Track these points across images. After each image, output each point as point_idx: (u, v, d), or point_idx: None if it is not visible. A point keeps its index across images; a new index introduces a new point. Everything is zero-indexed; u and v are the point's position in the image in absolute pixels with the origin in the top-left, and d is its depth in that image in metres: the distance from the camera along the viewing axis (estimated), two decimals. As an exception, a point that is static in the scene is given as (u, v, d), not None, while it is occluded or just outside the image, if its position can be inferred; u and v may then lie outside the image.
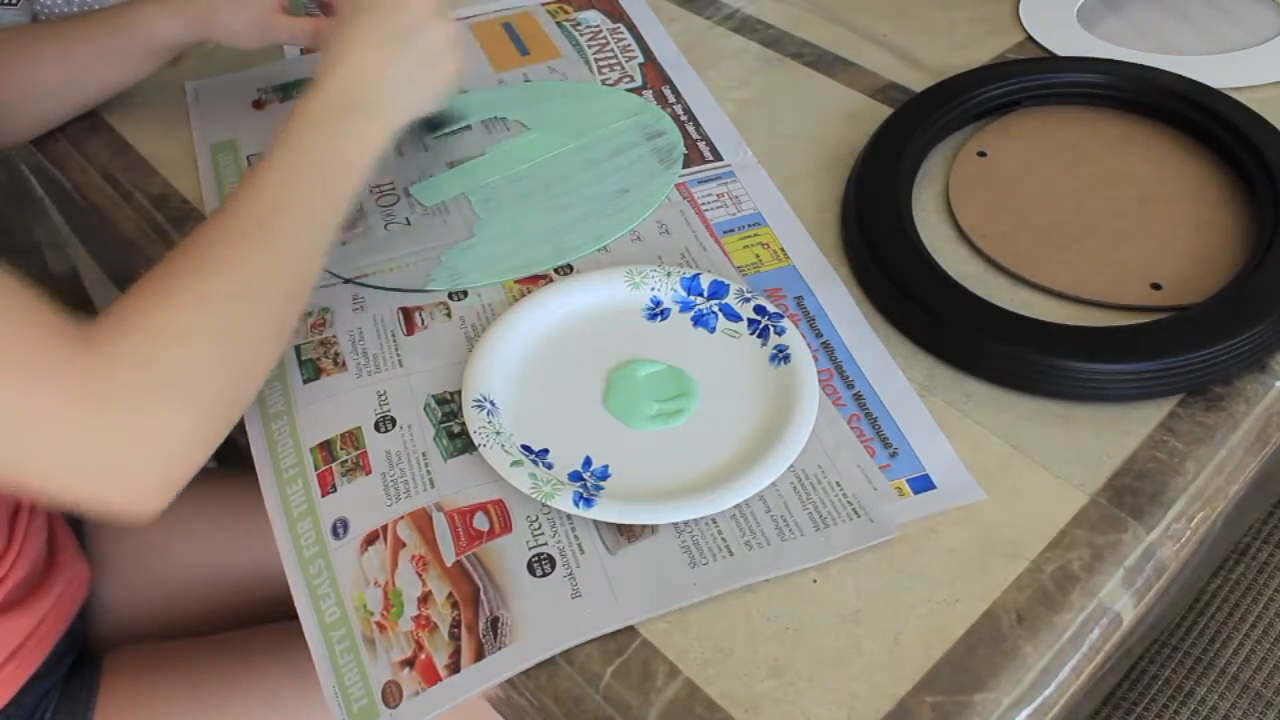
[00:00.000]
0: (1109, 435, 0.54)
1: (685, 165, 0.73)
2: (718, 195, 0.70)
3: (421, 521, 0.53)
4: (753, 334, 0.60)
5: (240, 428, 0.60)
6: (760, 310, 0.61)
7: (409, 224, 0.70)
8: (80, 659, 0.71)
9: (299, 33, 0.73)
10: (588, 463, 0.55)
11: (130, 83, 0.78)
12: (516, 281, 0.65)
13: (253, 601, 0.79)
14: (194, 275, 0.50)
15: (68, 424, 0.45)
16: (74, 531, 0.74)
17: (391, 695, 0.48)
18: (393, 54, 0.59)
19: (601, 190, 0.71)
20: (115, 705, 0.68)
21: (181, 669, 0.71)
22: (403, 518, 0.53)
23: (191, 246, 0.51)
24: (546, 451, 0.55)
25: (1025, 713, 0.46)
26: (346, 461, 0.56)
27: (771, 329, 0.59)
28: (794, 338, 0.59)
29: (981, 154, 0.71)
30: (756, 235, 0.67)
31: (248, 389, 0.52)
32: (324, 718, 0.68)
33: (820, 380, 0.57)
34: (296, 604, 0.52)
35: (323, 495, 0.55)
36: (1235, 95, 0.69)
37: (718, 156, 0.74)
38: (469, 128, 0.77)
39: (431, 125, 0.74)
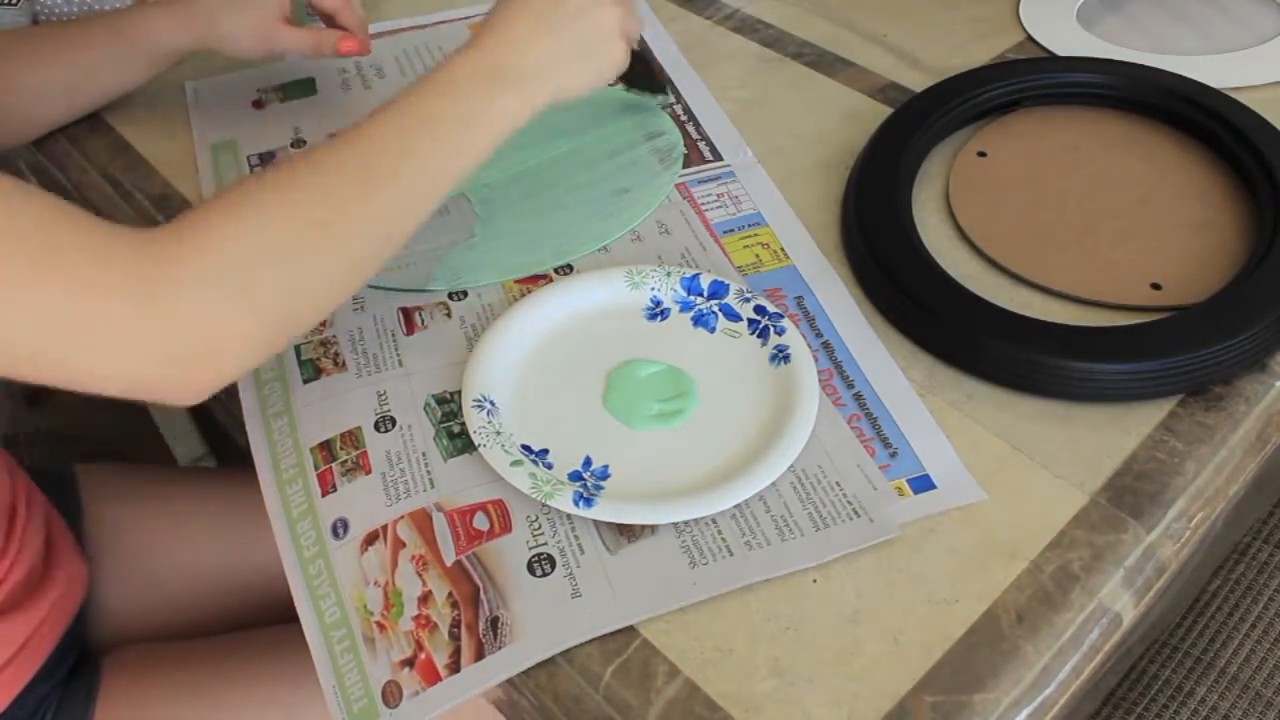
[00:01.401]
0: (1109, 435, 0.54)
1: (685, 165, 0.73)
2: (718, 195, 0.70)
3: (421, 521, 0.53)
4: (753, 334, 0.60)
5: (240, 427, 0.60)
6: (760, 310, 0.61)
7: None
8: (80, 661, 0.71)
9: (301, 43, 0.73)
10: (588, 463, 0.55)
11: (131, 87, 0.78)
12: (516, 281, 0.65)
13: (252, 602, 0.79)
14: (278, 191, 0.49)
15: (116, 324, 0.44)
16: (72, 532, 0.74)
17: (391, 695, 0.48)
18: (554, 29, 0.57)
19: (601, 190, 0.71)
20: (115, 707, 0.68)
21: (181, 670, 0.71)
22: (403, 518, 0.53)
23: (287, 166, 0.50)
24: (546, 451, 0.55)
25: (1025, 713, 0.46)
26: (346, 461, 0.56)
27: (771, 329, 0.59)
28: (794, 338, 0.59)
29: (981, 154, 0.71)
30: (756, 235, 0.67)
31: (312, 311, 0.51)
32: (323, 717, 0.68)
33: (820, 380, 0.57)
34: (297, 604, 0.52)
35: (323, 495, 0.55)
36: (1235, 95, 0.69)
37: (718, 156, 0.74)
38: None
39: None
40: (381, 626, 0.50)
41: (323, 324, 0.63)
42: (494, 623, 0.49)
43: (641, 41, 0.66)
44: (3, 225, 0.43)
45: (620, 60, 0.61)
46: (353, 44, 0.73)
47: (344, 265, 0.51)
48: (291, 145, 0.77)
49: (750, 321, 0.60)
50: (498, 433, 0.55)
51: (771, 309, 0.60)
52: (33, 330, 0.44)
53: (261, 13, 0.72)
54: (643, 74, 0.70)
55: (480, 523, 0.53)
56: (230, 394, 0.62)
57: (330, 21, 0.75)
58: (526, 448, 0.55)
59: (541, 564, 0.51)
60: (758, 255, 0.66)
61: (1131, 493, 0.52)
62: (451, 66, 0.55)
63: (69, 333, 0.44)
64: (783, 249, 0.66)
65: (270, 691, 0.69)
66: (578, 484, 0.53)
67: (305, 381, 0.60)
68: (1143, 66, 0.73)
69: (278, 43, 0.73)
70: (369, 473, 0.56)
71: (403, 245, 0.53)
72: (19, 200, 0.44)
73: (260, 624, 0.76)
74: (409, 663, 0.49)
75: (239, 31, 0.72)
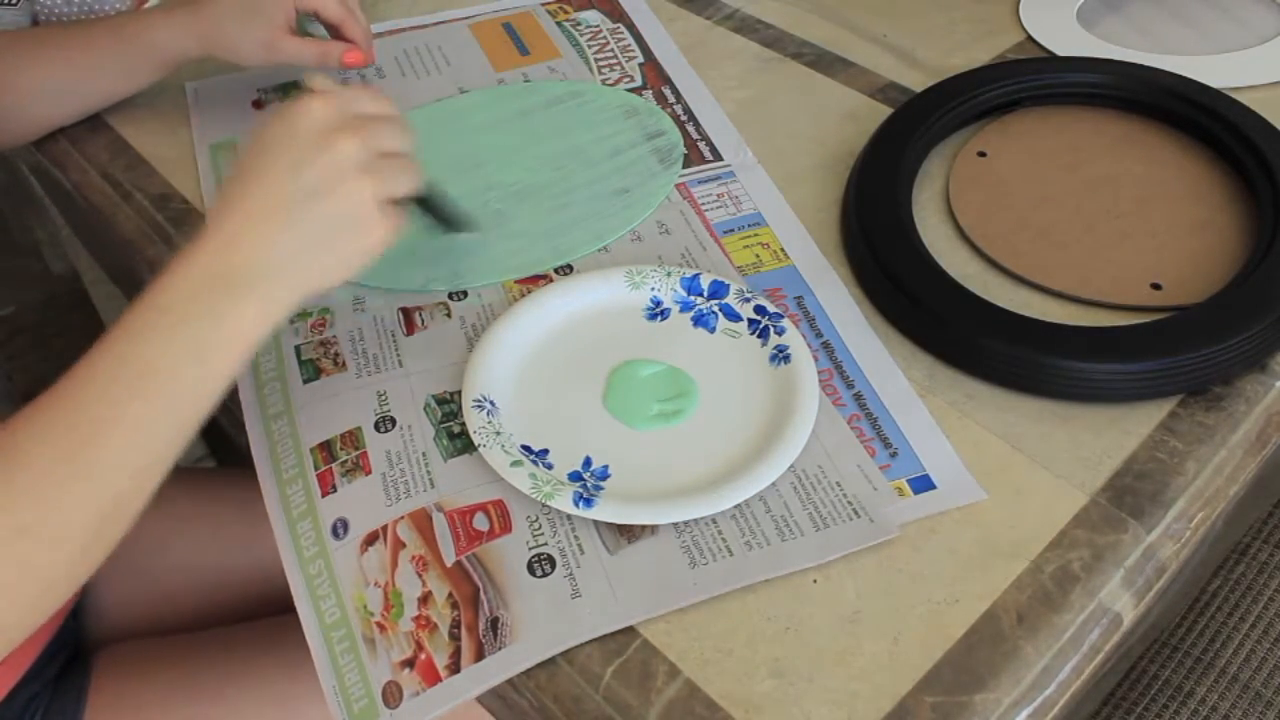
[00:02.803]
0: (1109, 435, 0.54)
1: (685, 165, 0.73)
2: (718, 195, 0.70)
3: (421, 522, 0.53)
4: (753, 334, 0.60)
5: (240, 427, 0.60)
6: (760, 310, 0.61)
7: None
8: (73, 659, 0.71)
9: (306, 55, 0.73)
10: (587, 463, 0.55)
11: (132, 92, 0.78)
12: (516, 281, 0.65)
13: (251, 602, 0.79)
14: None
15: None
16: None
17: (391, 695, 0.48)
18: (289, 217, 0.47)
19: (601, 190, 0.71)
20: (106, 704, 0.68)
21: (172, 665, 0.71)
22: (403, 518, 0.53)
23: (15, 449, 0.43)
24: (546, 451, 0.55)
25: (1025, 713, 0.46)
26: (346, 462, 0.56)
27: (771, 329, 0.59)
28: (794, 338, 0.59)
29: (981, 154, 0.71)
30: (756, 235, 0.67)
31: (30, 620, 0.45)
32: (317, 709, 0.68)
33: (820, 380, 0.57)
34: (296, 604, 0.52)
35: (323, 495, 0.55)
36: (1235, 95, 0.69)
37: (718, 156, 0.74)
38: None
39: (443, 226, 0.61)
40: (381, 627, 0.50)
41: (322, 324, 0.63)
42: (494, 623, 0.49)
43: (429, 184, 0.55)
44: None
45: (383, 238, 0.49)
46: (357, 57, 0.74)
47: (60, 563, 0.45)
48: (291, 145, 0.77)
49: (750, 321, 0.60)
50: (498, 433, 0.55)
51: (771, 309, 0.60)
52: None
53: (268, 23, 0.72)
54: (438, 212, 0.58)
55: (480, 523, 0.53)
56: (230, 394, 0.62)
57: (335, 32, 0.75)
58: (526, 448, 0.55)
59: (541, 564, 0.51)
60: (758, 255, 0.66)
61: (1131, 493, 0.52)
62: (163, 283, 0.46)
63: None
64: (783, 249, 0.66)
65: (266, 684, 0.69)
66: (578, 484, 0.53)
67: (305, 382, 0.60)
68: (1143, 66, 0.73)
69: (283, 54, 0.73)
70: (369, 473, 0.56)
71: (146, 498, 0.47)
72: None
73: (257, 619, 0.76)
74: (409, 663, 0.49)
75: (245, 41, 0.72)
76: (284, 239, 0.47)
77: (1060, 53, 0.79)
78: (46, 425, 0.44)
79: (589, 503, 0.51)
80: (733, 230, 0.68)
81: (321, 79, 0.51)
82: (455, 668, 0.48)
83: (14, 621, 0.44)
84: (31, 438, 0.44)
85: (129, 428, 0.45)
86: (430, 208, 0.57)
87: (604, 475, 0.54)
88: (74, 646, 0.73)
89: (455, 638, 0.49)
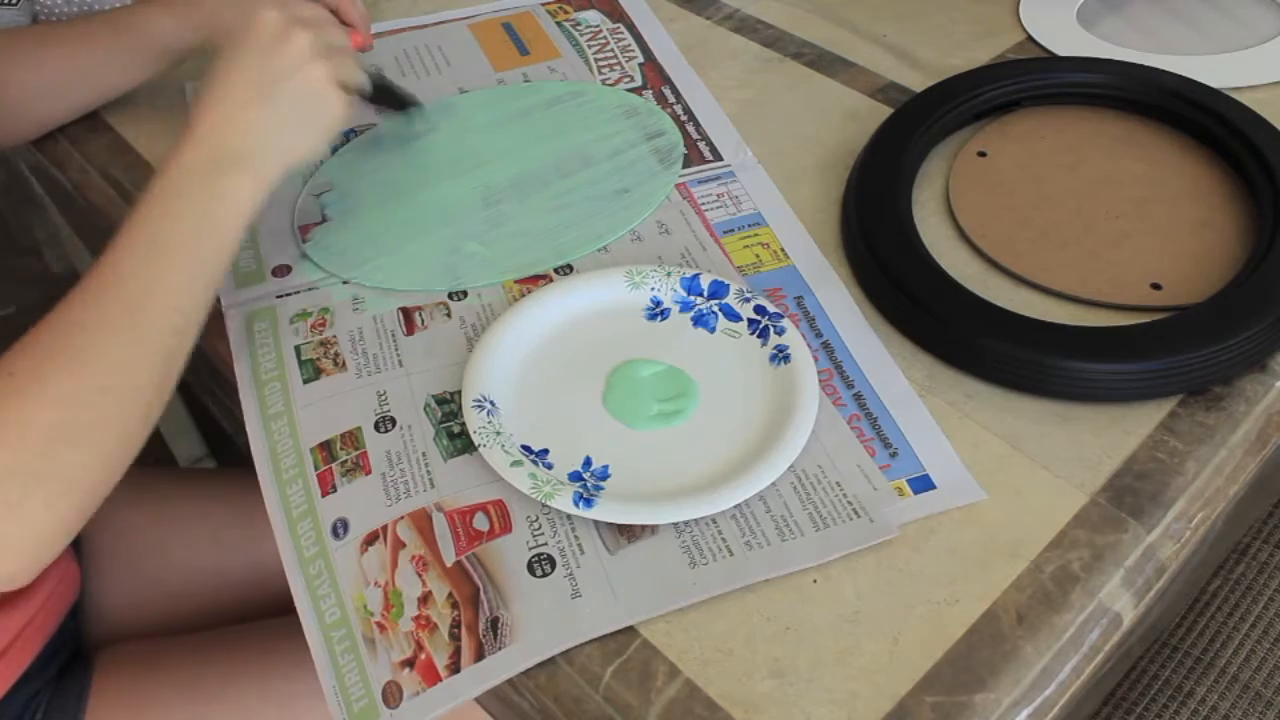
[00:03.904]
0: (1109, 435, 0.54)
1: (685, 165, 0.73)
2: (718, 195, 0.70)
3: (421, 521, 0.53)
4: (752, 334, 0.60)
5: (240, 427, 0.60)
6: (760, 310, 0.61)
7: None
8: (73, 659, 0.71)
9: None
10: (587, 463, 0.55)
11: (132, 86, 0.78)
12: (516, 281, 0.65)
13: (251, 601, 0.79)
14: (56, 369, 0.49)
15: None
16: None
17: (392, 695, 0.48)
18: (266, 99, 0.56)
19: (601, 190, 0.71)
20: (107, 704, 0.68)
21: (173, 666, 0.71)
22: (403, 518, 0.53)
23: (54, 332, 0.50)
24: (546, 451, 0.55)
25: (1025, 713, 0.46)
26: (346, 461, 0.56)
27: (771, 329, 0.59)
28: (794, 337, 0.59)
29: (981, 154, 0.71)
30: (756, 235, 0.67)
31: (113, 475, 0.51)
32: (316, 709, 0.68)
33: (820, 380, 0.57)
34: (297, 604, 0.52)
35: (323, 495, 0.55)
36: (1235, 95, 0.69)
37: (718, 156, 0.74)
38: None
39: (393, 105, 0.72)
40: (381, 627, 0.50)
41: (322, 324, 0.63)
42: (494, 623, 0.49)
43: (376, 70, 0.67)
44: None
45: (341, 112, 0.59)
46: (356, 40, 0.73)
47: (139, 417, 0.52)
48: (291, 145, 0.77)
49: (750, 321, 0.60)
50: (498, 433, 0.55)
51: (771, 309, 0.60)
52: None
53: None
54: (387, 97, 0.69)
55: (480, 523, 0.53)
56: (230, 394, 0.62)
57: (337, 17, 0.75)
58: (526, 448, 0.55)
59: (541, 564, 0.51)
60: (758, 255, 0.66)
61: (1131, 493, 0.52)
62: (174, 167, 0.54)
63: None
64: (783, 249, 0.66)
65: (266, 685, 0.69)
66: (578, 484, 0.53)
67: (305, 382, 0.60)
68: (1143, 66, 0.73)
69: None
70: (369, 473, 0.56)
71: (188, 354, 0.54)
72: None
73: (257, 619, 0.76)
74: (409, 663, 0.49)
75: None
76: (262, 117, 0.55)
77: (1060, 53, 0.79)
78: (96, 298, 0.51)
79: (589, 503, 0.51)
80: (733, 230, 0.68)
81: None
82: (455, 668, 0.48)
83: (103, 478, 0.50)
84: (86, 308, 0.50)
85: (167, 292, 0.52)
86: (379, 93, 0.67)
87: (604, 475, 0.54)
88: (74, 646, 0.73)
89: (455, 638, 0.49)
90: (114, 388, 0.50)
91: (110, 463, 0.50)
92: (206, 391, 0.91)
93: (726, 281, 0.62)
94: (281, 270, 0.67)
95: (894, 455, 0.54)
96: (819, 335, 0.61)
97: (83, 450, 0.49)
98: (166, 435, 1.30)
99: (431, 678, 0.48)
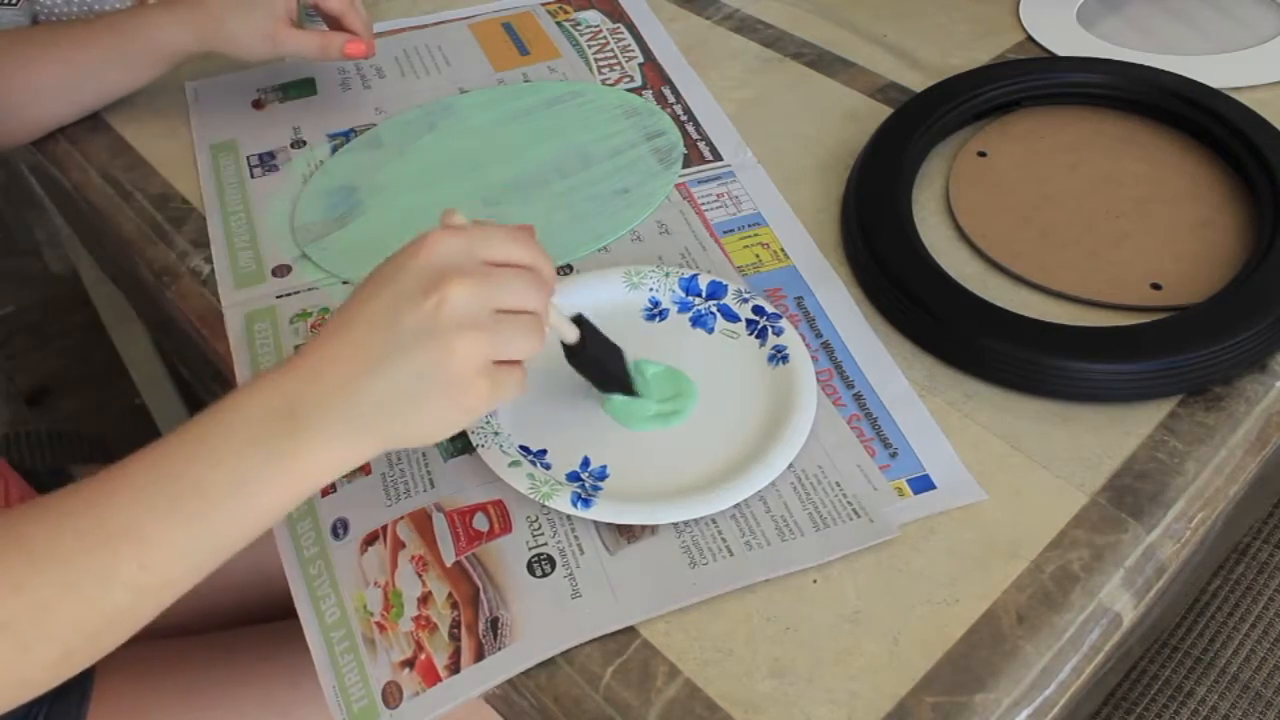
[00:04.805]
0: (1109, 435, 0.54)
1: (685, 165, 0.73)
2: (718, 195, 0.70)
3: (421, 522, 0.53)
4: (751, 334, 0.60)
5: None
6: (758, 310, 0.60)
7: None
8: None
9: (307, 46, 0.73)
10: (586, 463, 0.55)
11: (134, 88, 0.78)
12: (516, 281, 0.65)
13: (251, 602, 0.78)
14: None
15: None
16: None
17: (391, 695, 0.48)
18: (375, 367, 0.42)
19: (601, 190, 0.71)
20: (109, 706, 0.68)
21: (175, 669, 0.71)
22: (402, 518, 0.53)
23: (18, 528, 0.41)
24: (545, 452, 0.55)
25: (1025, 713, 0.46)
26: (346, 462, 0.56)
27: (770, 329, 0.59)
28: (792, 338, 0.59)
29: (981, 154, 0.71)
30: (756, 235, 0.67)
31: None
32: (318, 714, 0.68)
33: (820, 380, 0.57)
34: (296, 604, 0.52)
35: (322, 495, 0.55)
36: (1235, 95, 0.69)
37: (718, 156, 0.74)
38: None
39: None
40: (381, 627, 0.50)
41: (322, 324, 0.63)
42: (494, 623, 0.49)
43: (585, 323, 0.52)
44: None
45: (484, 402, 0.44)
46: (359, 47, 0.74)
47: (36, 667, 0.42)
48: (291, 145, 0.77)
49: (748, 322, 0.60)
50: (496, 433, 0.55)
51: (770, 309, 0.60)
52: None
53: (269, 15, 0.72)
54: (590, 371, 0.54)
55: (480, 523, 0.53)
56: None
57: (335, 25, 0.76)
58: (525, 448, 0.55)
59: (541, 564, 0.51)
60: (758, 255, 0.66)
61: (1131, 493, 0.52)
62: (231, 403, 0.43)
63: None
64: (783, 249, 0.66)
65: (267, 689, 0.69)
66: (576, 485, 0.53)
67: (305, 382, 0.60)
68: (1143, 66, 0.73)
69: (284, 45, 0.73)
70: (369, 473, 0.56)
71: (135, 629, 0.44)
72: None
73: (257, 622, 0.76)
74: (409, 663, 0.49)
75: (245, 33, 0.72)
76: (366, 387, 0.42)
77: (1060, 53, 0.79)
78: (56, 520, 0.41)
79: (587, 503, 0.51)
80: (733, 230, 0.68)
81: (458, 216, 0.46)
82: (455, 668, 0.48)
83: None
84: (38, 526, 0.41)
85: (141, 543, 0.41)
86: (580, 363, 0.52)
87: (602, 475, 0.54)
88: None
89: (455, 638, 0.49)
90: (10, 627, 0.39)
91: None
92: (207, 391, 0.91)
93: (725, 282, 0.62)
94: (281, 270, 0.67)
95: (894, 455, 0.54)
96: (819, 335, 0.61)
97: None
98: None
99: (431, 678, 0.48)
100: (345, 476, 0.55)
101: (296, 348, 0.62)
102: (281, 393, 0.43)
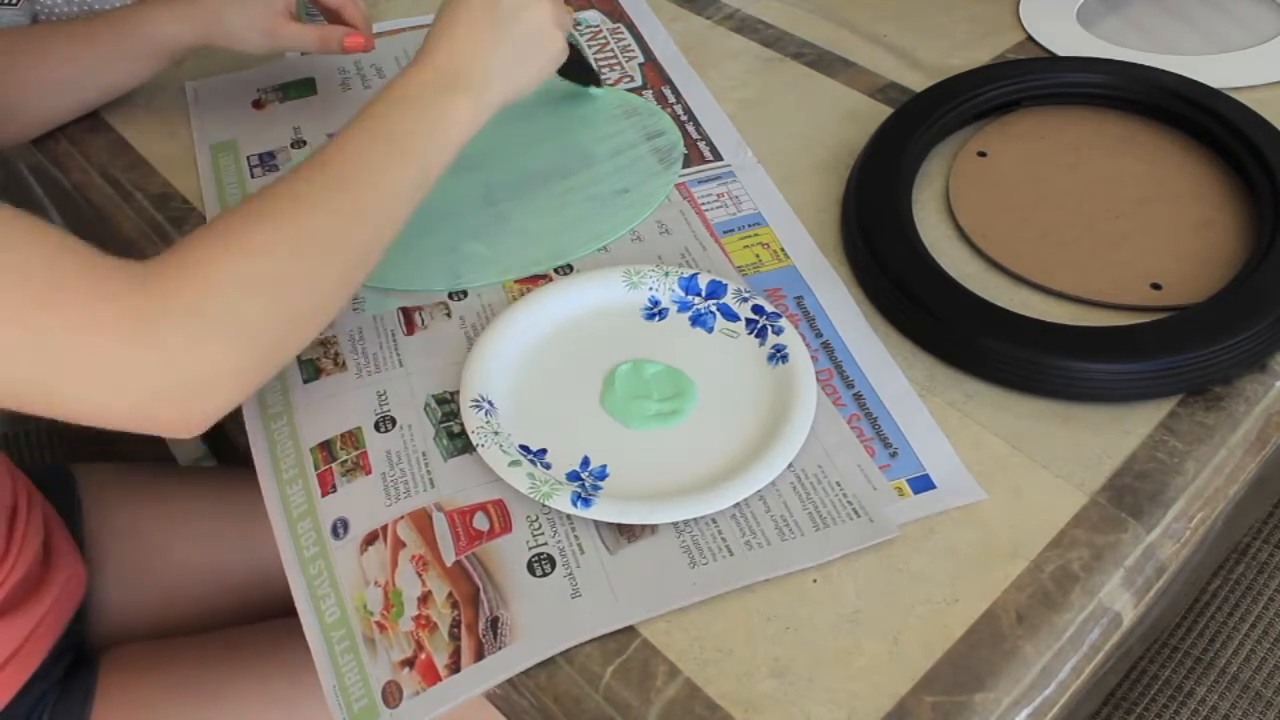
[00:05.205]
0: (1109, 435, 0.54)
1: (685, 165, 0.73)
2: (718, 195, 0.70)
3: (421, 521, 0.53)
4: (750, 334, 0.60)
5: (240, 428, 0.60)
6: (758, 310, 0.61)
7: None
8: (77, 660, 0.71)
9: (306, 40, 0.73)
10: (586, 462, 0.55)
11: (134, 85, 0.78)
12: (516, 281, 0.65)
13: (251, 601, 0.79)
14: (260, 224, 0.50)
15: (114, 359, 0.45)
16: (71, 532, 0.74)
17: (392, 695, 0.48)
18: (496, 33, 0.59)
19: (601, 190, 0.71)
20: (113, 705, 0.68)
21: (177, 667, 0.71)
22: (403, 518, 0.53)
23: (266, 197, 0.51)
24: (544, 451, 0.55)
25: (1025, 713, 0.46)
26: (346, 461, 0.56)
27: (769, 328, 0.59)
28: (792, 337, 0.59)
29: (981, 154, 0.71)
30: (756, 235, 0.67)
31: (299, 338, 0.52)
32: (319, 711, 0.68)
33: (820, 380, 0.57)
34: (297, 604, 0.52)
35: (323, 495, 0.55)
36: (1235, 95, 0.69)
37: (718, 156, 0.74)
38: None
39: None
40: (381, 626, 0.50)
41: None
42: (494, 623, 0.49)
43: (572, 35, 0.71)
44: (13, 263, 0.43)
45: (559, 53, 0.63)
46: (358, 40, 0.74)
47: (327, 289, 0.52)
48: (291, 145, 0.77)
49: (748, 321, 0.60)
50: (496, 433, 0.55)
51: (769, 309, 0.60)
52: (28, 365, 0.44)
53: (267, 9, 0.72)
54: (577, 66, 0.73)
55: (480, 523, 0.53)
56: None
57: (334, 18, 0.75)
58: (524, 448, 0.55)
59: (541, 564, 0.51)
60: (758, 255, 0.66)
61: (1131, 493, 0.52)
62: (406, 80, 0.57)
63: (64, 368, 0.44)
64: (783, 249, 0.66)
65: (268, 686, 0.69)
66: (576, 484, 0.53)
67: (305, 381, 0.60)
68: (1143, 66, 0.73)
69: (283, 39, 0.73)
70: (369, 473, 0.56)
71: (380, 257, 0.55)
72: (31, 237, 0.45)
73: (258, 622, 0.76)
74: (409, 663, 0.49)
75: (245, 27, 0.72)
76: (491, 49, 0.59)
77: (1060, 53, 0.79)
78: (314, 172, 0.53)
79: (587, 502, 0.51)
80: (733, 230, 0.68)
81: None
82: (455, 667, 0.48)
83: (285, 334, 0.50)
84: (300, 180, 0.52)
85: (383, 178, 0.54)
86: (571, 57, 0.67)
87: (602, 475, 0.54)
88: (79, 648, 0.73)
89: (455, 637, 0.49)
90: (309, 250, 0.50)
91: (293, 319, 0.50)
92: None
93: (724, 281, 0.62)
94: (281, 270, 0.67)
95: (894, 455, 0.54)
96: (819, 335, 0.61)
97: (264, 300, 0.49)
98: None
99: (431, 677, 0.48)
100: (345, 476, 0.56)
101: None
102: (435, 71, 0.58)
